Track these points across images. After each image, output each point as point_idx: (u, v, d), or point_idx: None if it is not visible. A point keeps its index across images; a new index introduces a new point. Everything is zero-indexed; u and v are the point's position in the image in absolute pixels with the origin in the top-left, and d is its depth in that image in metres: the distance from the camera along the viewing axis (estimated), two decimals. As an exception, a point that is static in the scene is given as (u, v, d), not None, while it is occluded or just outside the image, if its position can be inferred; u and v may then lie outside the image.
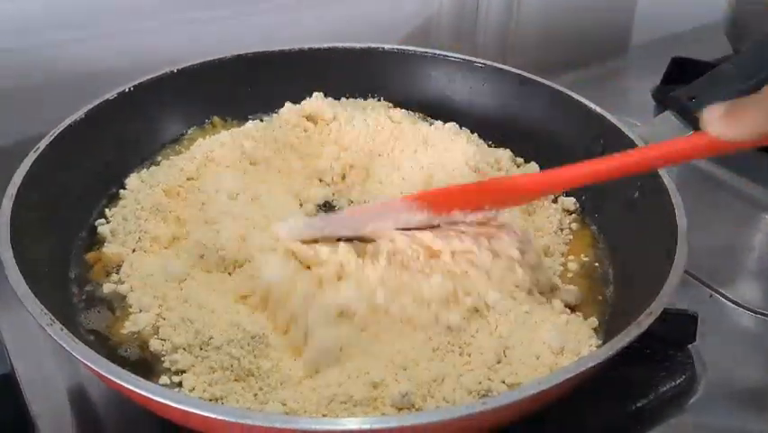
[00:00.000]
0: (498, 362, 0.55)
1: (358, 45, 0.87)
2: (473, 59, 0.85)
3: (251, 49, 0.84)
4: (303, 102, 0.82)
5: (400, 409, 0.50)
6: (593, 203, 0.74)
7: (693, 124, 0.70)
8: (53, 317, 0.48)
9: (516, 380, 0.53)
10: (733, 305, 0.70)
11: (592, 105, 0.76)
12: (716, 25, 1.10)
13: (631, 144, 0.70)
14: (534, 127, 0.80)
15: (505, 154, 0.79)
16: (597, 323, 0.61)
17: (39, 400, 0.58)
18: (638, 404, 0.60)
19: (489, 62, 0.84)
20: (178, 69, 0.79)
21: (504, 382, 0.53)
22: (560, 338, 0.56)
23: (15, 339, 0.63)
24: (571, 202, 0.75)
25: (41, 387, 0.59)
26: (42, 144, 0.65)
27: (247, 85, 0.84)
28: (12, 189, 0.59)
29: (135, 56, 0.85)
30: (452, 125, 0.82)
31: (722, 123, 0.45)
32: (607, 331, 0.60)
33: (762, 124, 0.43)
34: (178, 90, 0.80)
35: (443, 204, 0.60)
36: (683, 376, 0.62)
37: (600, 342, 0.58)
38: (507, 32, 1.05)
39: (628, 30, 1.18)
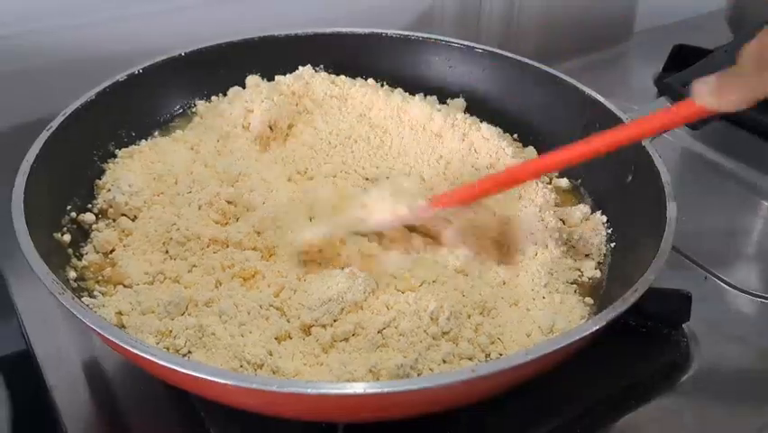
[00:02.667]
0: (492, 343, 0.57)
1: (360, 30, 0.88)
2: (473, 44, 0.86)
3: (251, 34, 0.85)
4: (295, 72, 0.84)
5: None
6: (587, 186, 0.76)
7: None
8: (64, 286, 0.50)
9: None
10: (727, 287, 0.72)
11: (589, 91, 0.77)
12: (718, 13, 1.11)
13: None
14: (533, 112, 0.82)
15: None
16: (591, 302, 0.63)
17: (55, 373, 0.61)
18: (632, 380, 0.61)
19: (488, 48, 0.86)
20: (185, 53, 0.81)
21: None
22: (550, 318, 0.58)
23: (32, 316, 0.66)
24: (564, 183, 0.77)
25: (56, 360, 0.62)
26: (55, 123, 0.67)
27: (248, 69, 0.85)
28: (25, 166, 0.61)
29: (137, 41, 0.86)
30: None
31: (712, 95, 0.50)
32: (599, 311, 0.61)
33: (745, 97, 0.48)
34: (183, 72, 0.81)
35: (452, 203, 0.64)
36: (677, 354, 0.64)
37: (584, 321, 0.59)
38: (510, 18, 1.05)
39: (631, 16, 1.18)
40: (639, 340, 0.64)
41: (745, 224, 0.83)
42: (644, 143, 0.69)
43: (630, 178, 0.70)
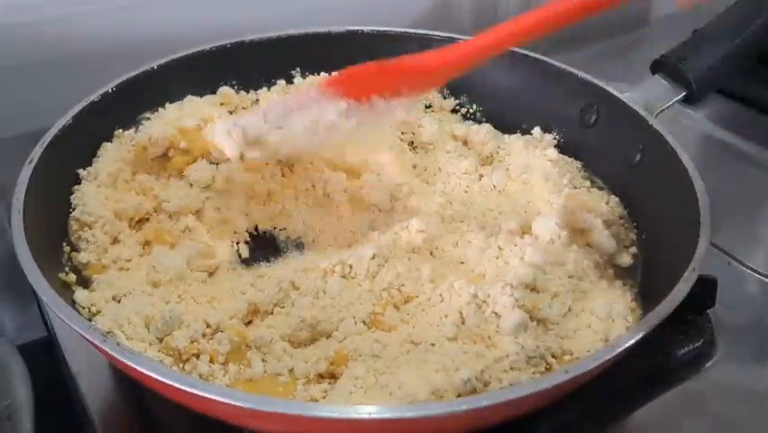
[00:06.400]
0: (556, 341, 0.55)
1: (336, 29, 0.84)
2: (456, 35, 0.84)
3: (263, 30, 0.82)
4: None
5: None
6: (594, 170, 0.75)
7: (685, 85, 0.72)
8: (105, 334, 0.45)
9: (574, 350, 0.54)
10: (751, 272, 0.71)
11: (581, 74, 0.77)
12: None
13: (625, 108, 0.71)
14: (527, 100, 0.80)
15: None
16: (630, 283, 0.62)
17: (79, 360, 0.59)
18: (657, 366, 0.61)
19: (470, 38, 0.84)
20: (157, 66, 0.76)
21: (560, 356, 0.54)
22: (605, 306, 0.57)
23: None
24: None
25: (80, 347, 0.59)
26: (35, 155, 0.61)
27: (226, 76, 0.81)
28: (17, 205, 0.56)
29: (155, 29, 0.84)
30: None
31: None
32: (642, 293, 0.61)
33: None
34: (158, 85, 0.76)
35: (358, 87, 0.61)
36: (702, 340, 0.63)
37: (635, 304, 0.59)
38: (527, 8, 1.03)
39: (647, 2, 1.16)
40: (663, 326, 0.63)
41: (767, 208, 0.82)
42: (651, 122, 0.69)
43: (638, 157, 0.70)
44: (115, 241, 0.64)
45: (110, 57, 0.79)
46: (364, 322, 0.56)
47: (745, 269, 0.72)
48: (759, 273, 0.71)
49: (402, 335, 0.55)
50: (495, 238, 0.63)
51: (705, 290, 0.63)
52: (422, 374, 0.50)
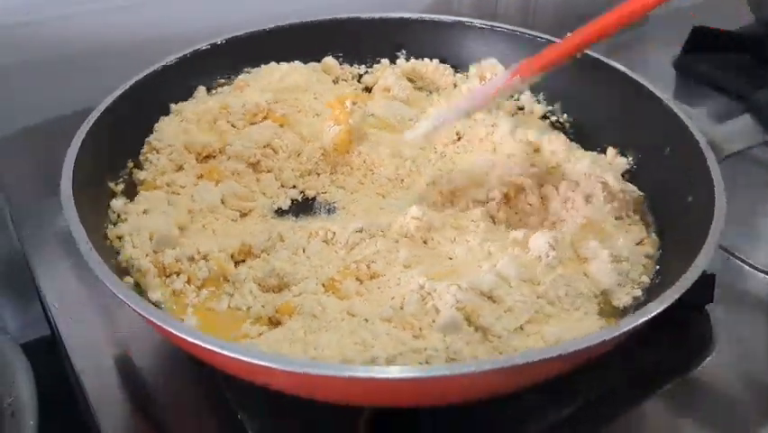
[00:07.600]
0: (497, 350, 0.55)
1: (338, 16, 0.87)
2: (465, 19, 0.84)
3: (275, 18, 0.85)
4: None
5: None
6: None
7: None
8: (127, 291, 0.51)
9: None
10: (749, 268, 0.70)
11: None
12: (736, -7, 1.02)
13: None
14: (618, 119, 0.77)
15: None
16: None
17: (82, 358, 0.61)
18: (655, 363, 0.60)
19: (480, 22, 0.84)
20: (180, 56, 0.79)
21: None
22: (556, 334, 0.55)
23: (59, 302, 0.66)
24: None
25: (83, 345, 0.62)
26: (93, 117, 0.66)
27: (221, 71, 0.84)
28: (69, 164, 0.61)
29: (155, 28, 0.87)
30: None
31: None
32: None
33: None
34: (200, 66, 0.81)
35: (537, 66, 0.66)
36: (700, 335, 0.63)
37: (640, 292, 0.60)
38: (527, 5, 1.03)
39: None
40: (661, 322, 0.59)
41: (765, 204, 0.80)
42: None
43: (690, 199, 0.64)
44: (180, 168, 0.73)
45: (110, 57, 0.82)
46: (323, 285, 0.60)
47: (743, 265, 0.71)
48: (758, 269, 0.70)
49: (345, 304, 0.58)
50: (491, 243, 0.63)
51: (703, 285, 0.59)
52: (342, 343, 0.53)
